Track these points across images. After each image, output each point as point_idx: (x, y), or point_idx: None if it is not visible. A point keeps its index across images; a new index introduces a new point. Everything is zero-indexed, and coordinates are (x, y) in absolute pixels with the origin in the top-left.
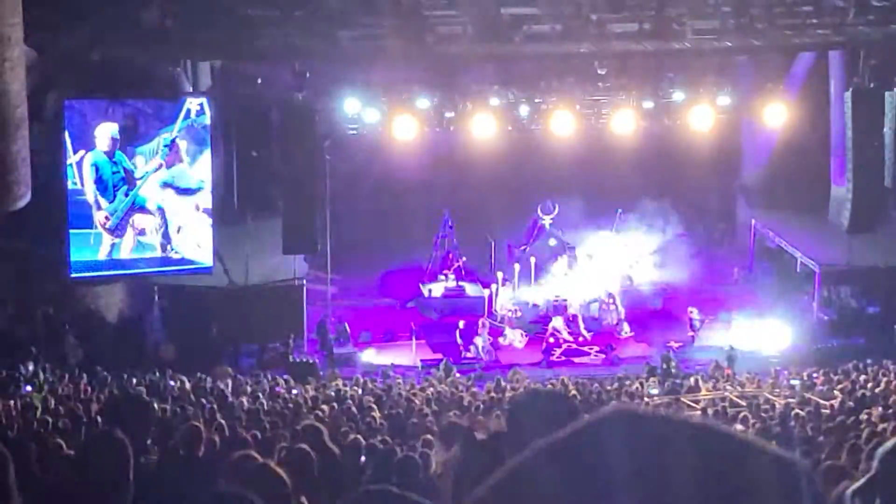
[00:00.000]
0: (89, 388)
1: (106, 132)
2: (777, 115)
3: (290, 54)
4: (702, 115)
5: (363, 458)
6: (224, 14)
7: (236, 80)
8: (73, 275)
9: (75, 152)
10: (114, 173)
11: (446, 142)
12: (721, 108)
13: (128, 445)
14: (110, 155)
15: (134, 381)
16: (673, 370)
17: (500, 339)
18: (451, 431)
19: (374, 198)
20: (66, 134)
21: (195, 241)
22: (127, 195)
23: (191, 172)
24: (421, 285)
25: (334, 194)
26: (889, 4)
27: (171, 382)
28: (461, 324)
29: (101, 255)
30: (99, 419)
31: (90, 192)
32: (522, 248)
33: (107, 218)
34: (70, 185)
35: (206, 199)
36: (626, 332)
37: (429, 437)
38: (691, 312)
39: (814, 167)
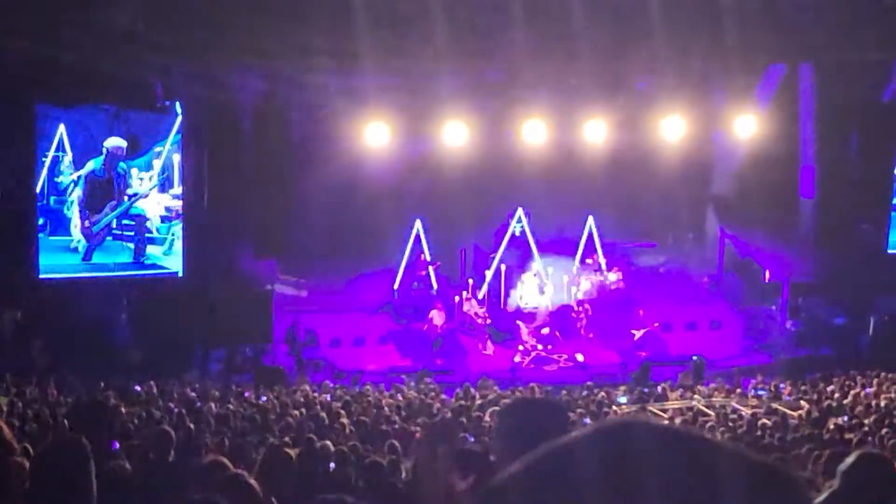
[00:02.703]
0: (56, 392)
1: (113, 145)
2: (747, 127)
3: (263, 59)
4: (673, 127)
5: (332, 465)
6: (196, 18)
7: (209, 85)
8: (42, 275)
9: (77, 168)
10: (105, 185)
11: (418, 148)
12: (692, 119)
13: (87, 448)
14: (107, 169)
15: (102, 385)
16: (640, 379)
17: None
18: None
19: (346, 203)
20: (68, 146)
21: (168, 248)
22: (114, 209)
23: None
24: (394, 291)
25: (306, 199)
26: (856, 19)
27: (139, 387)
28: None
29: (77, 260)
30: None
31: (77, 204)
32: (492, 255)
33: (89, 226)
34: (65, 210)
35: (179, 205)
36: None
37: (394, 442)
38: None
39: (783, 179)
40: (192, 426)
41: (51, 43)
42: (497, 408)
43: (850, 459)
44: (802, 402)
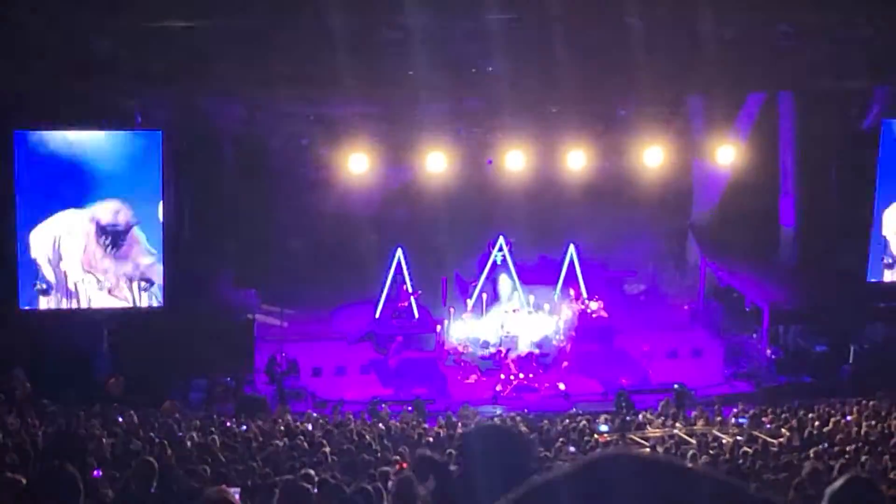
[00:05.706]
0: (37, 423)
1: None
2: (728, 155)
3: (243, 88)
4: (653, 155)
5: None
6: (176, 46)
7: (189, 114)
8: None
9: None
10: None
11: (399, 177)
12: (672, 147)
13: (78, 479)
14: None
15: (82, 415)
16: (625, 407)
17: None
18: (425, 464)
19: (327, 232)
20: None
21: (147, 283)
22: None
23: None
24: (376, 320)
25: (287, 228)
26: (835, 50)
27: (120, 417)
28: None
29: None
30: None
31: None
32: (473, 284)
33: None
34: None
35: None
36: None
37: (387, 469)
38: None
39: (763, 207)
40: (173, 456)
41: (30, 69)
42: (464, 429)
43: (838, 482)
44: (783, 430)
